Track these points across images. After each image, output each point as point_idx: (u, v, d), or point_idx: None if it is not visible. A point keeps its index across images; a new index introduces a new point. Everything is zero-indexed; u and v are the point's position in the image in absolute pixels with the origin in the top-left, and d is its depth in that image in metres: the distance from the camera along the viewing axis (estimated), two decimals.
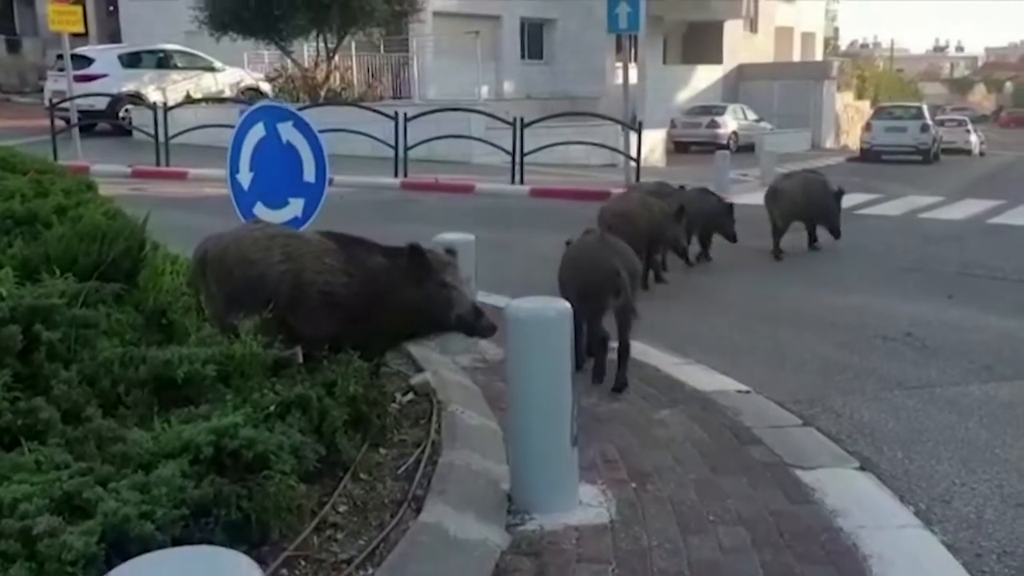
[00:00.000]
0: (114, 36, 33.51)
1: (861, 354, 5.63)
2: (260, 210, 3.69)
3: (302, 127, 3.75)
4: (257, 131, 3.67)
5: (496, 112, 24.42)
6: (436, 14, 27.14)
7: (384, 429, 3.60)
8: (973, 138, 36.37)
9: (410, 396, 4.14)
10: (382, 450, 3.54)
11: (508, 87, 30.16)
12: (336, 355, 3.50)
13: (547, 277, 7.92)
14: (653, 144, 22.99)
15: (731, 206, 8.92)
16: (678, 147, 28.71)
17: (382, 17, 19.23)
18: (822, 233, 9.59)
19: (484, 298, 7.01)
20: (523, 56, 30.96)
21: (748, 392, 4.78)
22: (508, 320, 3.19)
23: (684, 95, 31.67)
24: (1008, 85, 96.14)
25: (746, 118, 30.13)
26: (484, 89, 29.13)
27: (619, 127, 16.13)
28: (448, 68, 25.62)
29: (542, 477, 3.19)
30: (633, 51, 31.15)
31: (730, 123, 29.22)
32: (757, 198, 14.54)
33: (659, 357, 5.38)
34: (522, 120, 14.90)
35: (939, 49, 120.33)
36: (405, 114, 15.40)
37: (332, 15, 18.41)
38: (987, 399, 4.79)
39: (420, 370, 4.50)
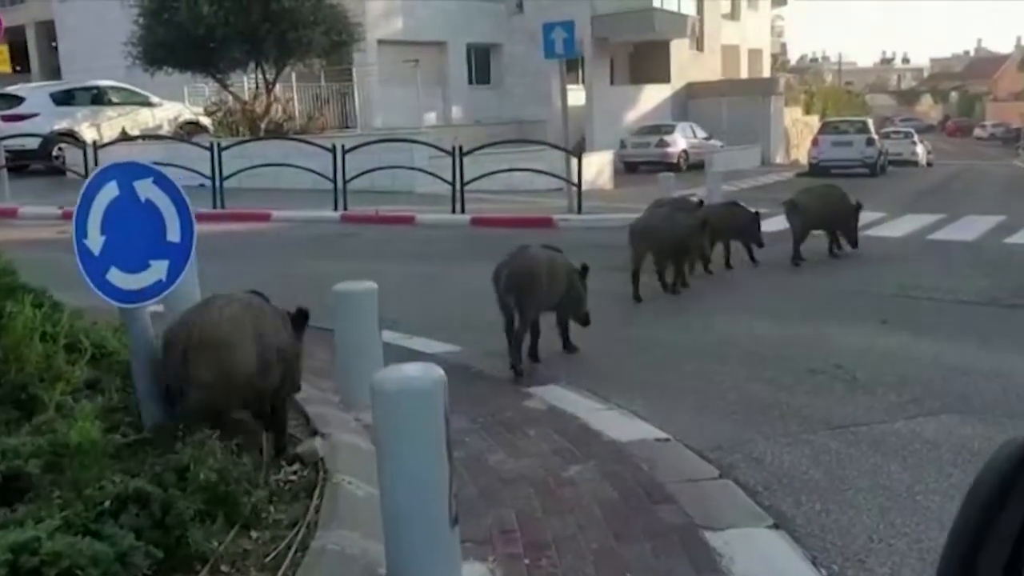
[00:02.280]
0: (56, 72, 32.92)
1: (788, 390, 5.43)
2: (115, 275, 3.39)
3: (163, 184, 3.47)
4: (109, 191, 3.38)
5: (444, 138, 24.21)
6: (381, 42, 26.98)
7: (256, 510, 3.30)
8: (919, 149, 36.88)
9: (296, 467, 3.85)
10: (253, 533, 3.23)
11: (456, 113, 30.02)
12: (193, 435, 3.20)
13: (478, 315, 7.71)
14: (600, 166, 22.93)
15: (757, 215, 9.79)
16: (628, 167, 28.67)
17: (321, 48, 18.97)
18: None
19: (407, 342, 6.78)
20: (470, 81, 30.88)
21: (667, 440, 4.56)
22: (374, 393, 2.92)
23: (633, 115, 31.72)
24: (953, 95, 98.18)
25: (695, 136, 30.23)
26: (431, 116, 29.00)
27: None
28: (394, 96, 25.42)
29: (419, 563, 2.92)
30: (581, 72, 31.28)
31: (680, 141, 29.29)
32: None
33: (578, 403, 5.15)
34: (460, 148, 14.67)
35: (886, 61, 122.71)
36: (343, 146, 15.11)
37: (268, 47, 18.14)
38: (912, 437, 4.61)
39: (314, 433, 4.21)
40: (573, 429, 4.71)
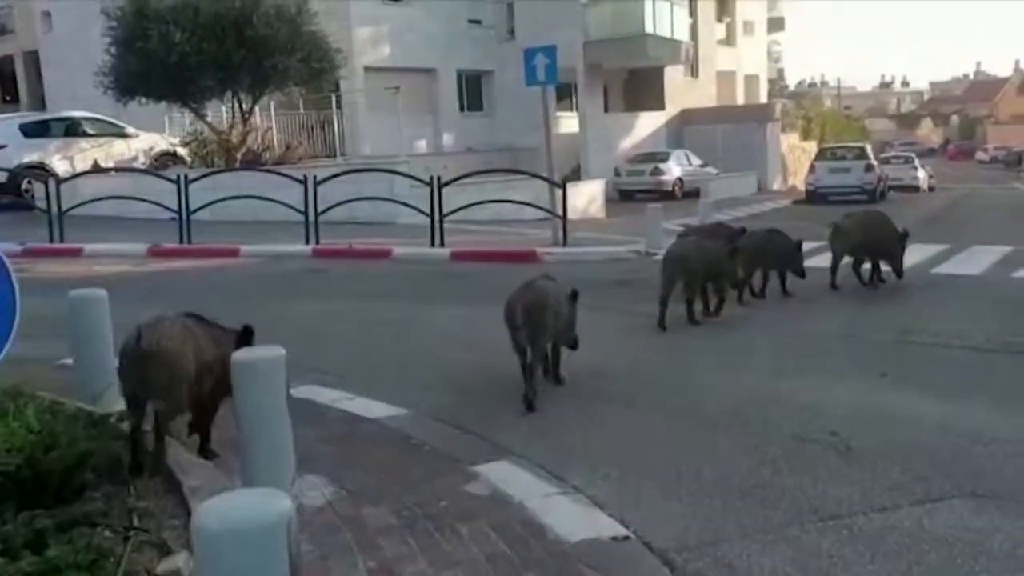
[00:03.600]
0: (43, 102, 32.47)
1: (773, 465, 4.68)
2: None
3: None
4: None
5: (434, 166, 23.61)
6: (367, 69, 26.48)
7: None
8: (920, 174, 36.28)
9: None
10: None
11: (447, 140, 29.47)
12: None
13: (439, 368, 6.97)
14: (592, 195, 22.29)
15: (799, 244, 9.64)
16: (623, 195, 28.10)
17: (299, 76, 18.35)
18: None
19: (347, 403, 6.02)
20: (462, 108, 30.34)
21: (626, 539, 3.80)
22: (194, 530, 2.18)
23: (628, 142, 31.17)
24: (954, 118, 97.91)
25: (690, 164, 29.65)
26: (421, 143, 28.45)
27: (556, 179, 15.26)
28: (382, 124, 24.83)
29: None
30: (575, 99, 30.73)
31: (674, 169, 28.72)
32: None
33: (528, 486, 4.40)
34: (439, 179, 13.99)
35: (885, 85, 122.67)
36: (315, 177, 14.43)
37: (243, 75, 17.53)
38: (918, 532, 3.85)
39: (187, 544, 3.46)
40: (516, 524, 3.95)
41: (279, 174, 15.30)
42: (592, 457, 4.84)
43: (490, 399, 6.03)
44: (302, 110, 21.52)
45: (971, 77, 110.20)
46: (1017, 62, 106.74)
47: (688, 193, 27.14)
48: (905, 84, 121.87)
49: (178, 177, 14.87)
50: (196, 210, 14.86)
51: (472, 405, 5.92)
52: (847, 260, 10.05)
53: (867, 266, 10.09)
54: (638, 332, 8.13)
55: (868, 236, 9.93)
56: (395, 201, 15.36)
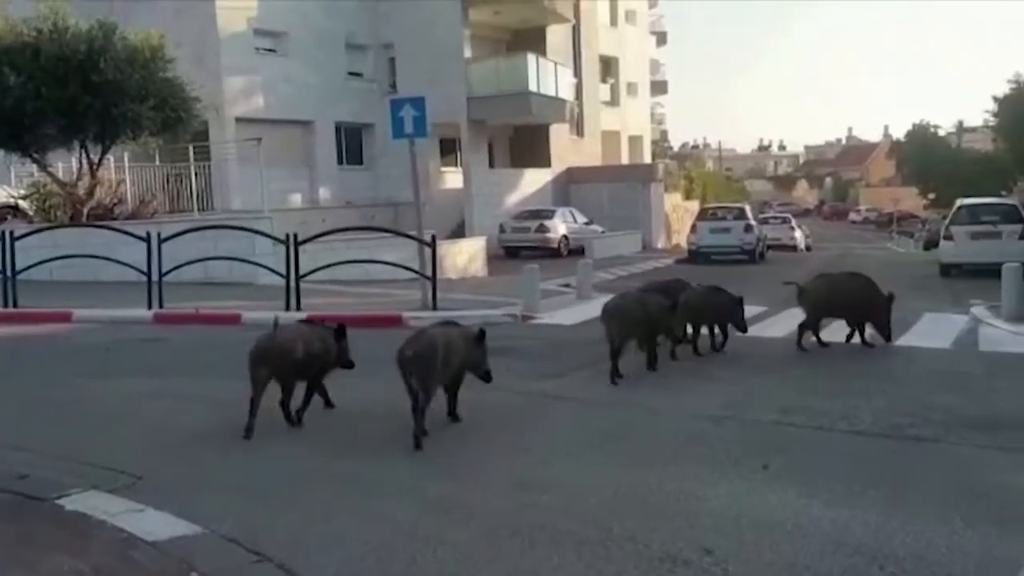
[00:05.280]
0: None
1: None
2: None
3: None
4: None
5: (312, 220, 22.48)
6: (239, 120, 25.30)
7: None
8: (798, 234, 37.14)
9: None
10: None
11: (325, 194, 28.39)
12: None
13: (257, 469, 5.75)
14: (472, 253, 21.52)
15: (741, 299, 9.86)
16: (508, 252, 27.59)
17: (152, 125, 16.98)
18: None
19: (131, 519, 4.89)
20: (340, 161, 29.39)
21: None
22: None
23: (514, 199, 30.77)
24: (828, 180, 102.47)
25: (576, 221, 29.42)
26: (296, 197, 27.29)
27: (426, 236, 14.33)
28: (255, 176, 23.61)
29: None
30: (458, 155, 30.15)
31: (560, 227, 28.41)
32: (567, 317, 13.10)
33: None
34: (295, 236, 12.88)
35: (763, 148, 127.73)
36: (159, 234, 13.12)
37: (89, 123, 16.09)
38: None
39: None
40: None
41: (115, 230, 13.90)
42: None
43: (308, 511, 4.97)
44: (157, 162, 20.05)
45: (843, 141, 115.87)
46: (886, 127, 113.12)
47: (574, 251, 26.81)
48: (782, 147, 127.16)
49: (2, 234, 13.29)
50: (23, 269, 13.32)
51: (285, 518, 4.85)
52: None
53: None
54: (489, 414, 7.19)
55: (836, 295, 9.97)
56: (245, 260, 14.11)
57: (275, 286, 14.12)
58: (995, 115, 46.06)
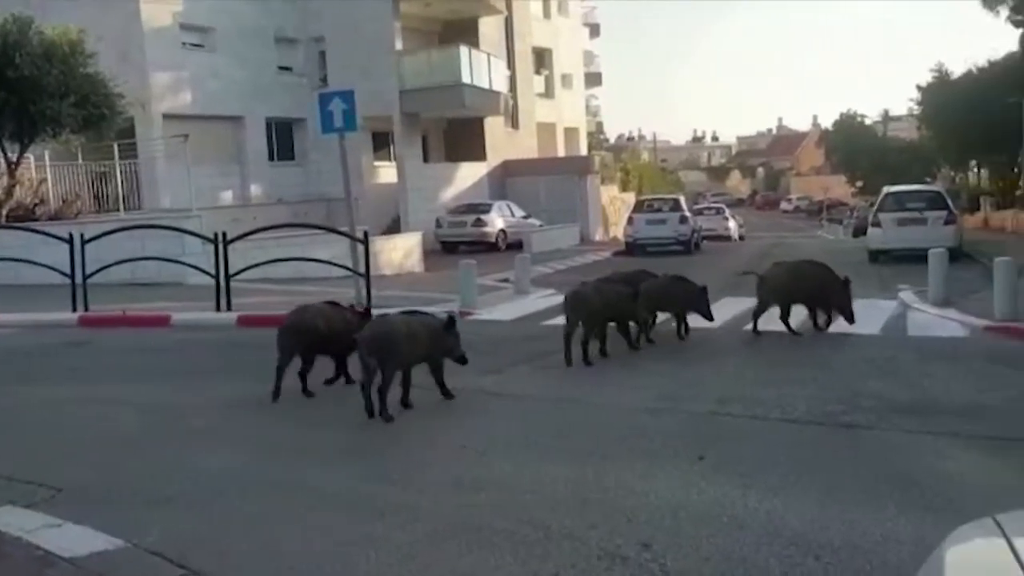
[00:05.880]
0: None
1: None
2: None
3: None
4: None
5: (243, 217, 21.99)
6: (167, 116, 24.67)
7: None
8: (732, 224, 37.67)
9: None
10: None
11: (256, 190, 27.86)
12: None
13: (185, 476, 5.36)
14: (408, 249, 21.31)
15: (704, 288, 10.15)
16: (446, 247, 27.38)
17: (73, 123, 16.41)
18: None
19: (47, 534, 4.67)
20: (272, 157, 28.86)
21: None
22: None
23: (450, 193, 30.55)
24: (759, 170, 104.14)
25: (513, 215, 29.35)
26: (227, 194, 26.74)
27: (358, 234, 14.11)
28: (183, 174, 23.06)
29: None
30: (391, 149, 29.85)
31: (497, 221, 28.30)
32: (506, 312, 13.02)
33: None
34: (225, 235, 12.57)
35: (697, 139, 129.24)
36: (83, 235, 12.69)
37: (5, 121, 15.49)
38: None
39: None
40: None
41: (35, 231, 13.41)
42: None
43: (239, 520, 4.82)
44: (80, 160, 19.42)
45: (774, 131, 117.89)
46: (815, 117, 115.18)
47: (512, 245, 26.72)
48: (715, 138, 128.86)
49: None
50: None
51: (215, 528, 4.69)
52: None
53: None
54: (428, 411, 7.10)
55: (795, 282, 10.21)
56: (174, 261, 13.74)
57: (205, 286, 13.79)
58: (919, 104, 47.40)
